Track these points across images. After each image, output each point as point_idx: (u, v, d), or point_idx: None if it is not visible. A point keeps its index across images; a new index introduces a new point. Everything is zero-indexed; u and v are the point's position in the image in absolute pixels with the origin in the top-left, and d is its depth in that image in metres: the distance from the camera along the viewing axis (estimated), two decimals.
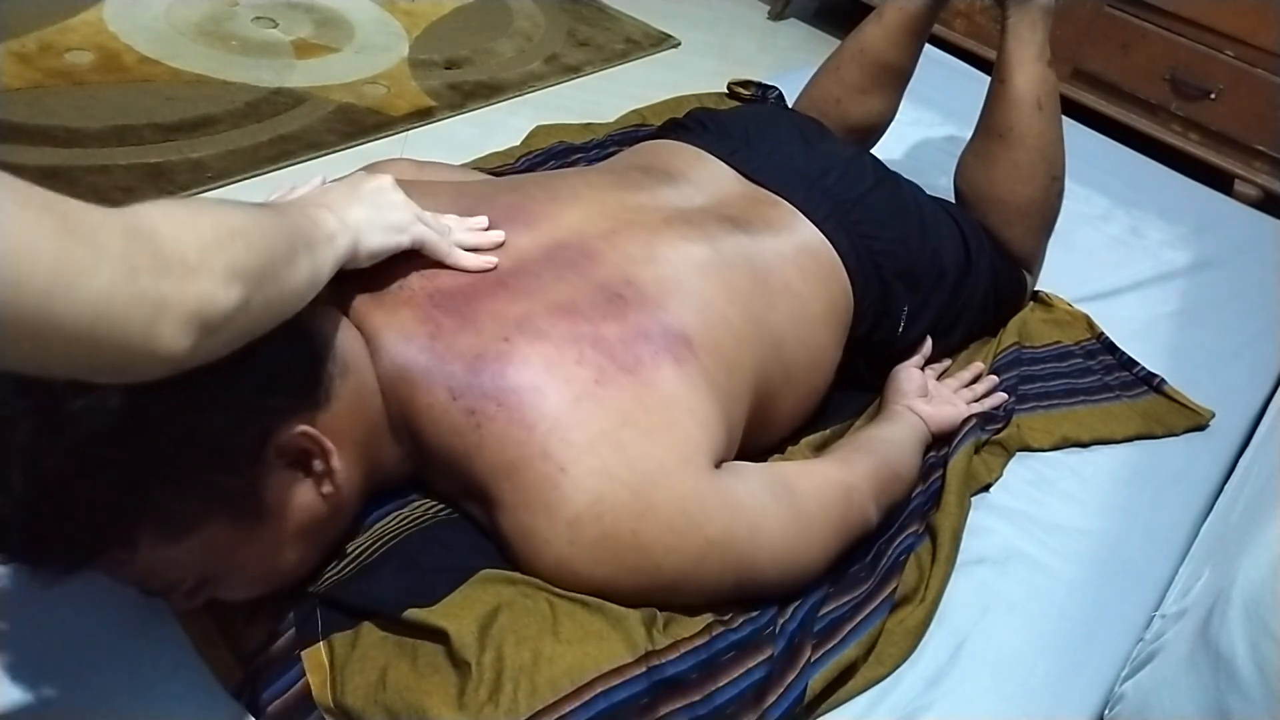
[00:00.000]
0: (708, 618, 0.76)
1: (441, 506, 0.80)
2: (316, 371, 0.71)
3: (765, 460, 1.00)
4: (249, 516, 0.67)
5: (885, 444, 0.98)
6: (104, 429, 0.59)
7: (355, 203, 0.76)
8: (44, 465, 0.58)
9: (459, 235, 0.83)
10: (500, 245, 0.84)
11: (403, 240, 0.78)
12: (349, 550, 0.77)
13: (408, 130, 1.95)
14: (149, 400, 0.59)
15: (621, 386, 0.75)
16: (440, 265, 0.81)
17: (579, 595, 0.71)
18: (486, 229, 0.85)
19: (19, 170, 1.80)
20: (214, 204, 0.61)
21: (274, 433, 0.67)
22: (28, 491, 0.58)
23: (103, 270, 0.48)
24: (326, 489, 0.71)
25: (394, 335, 0.76)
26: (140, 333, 0.50)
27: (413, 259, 0.80)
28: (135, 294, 0.50)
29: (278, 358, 0.67)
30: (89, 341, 0.48)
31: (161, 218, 0.54)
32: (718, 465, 0.79)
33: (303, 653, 0.72)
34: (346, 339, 0.75)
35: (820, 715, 0.82)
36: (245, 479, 0.66)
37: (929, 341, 1.16)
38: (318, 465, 0.70)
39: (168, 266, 0.52)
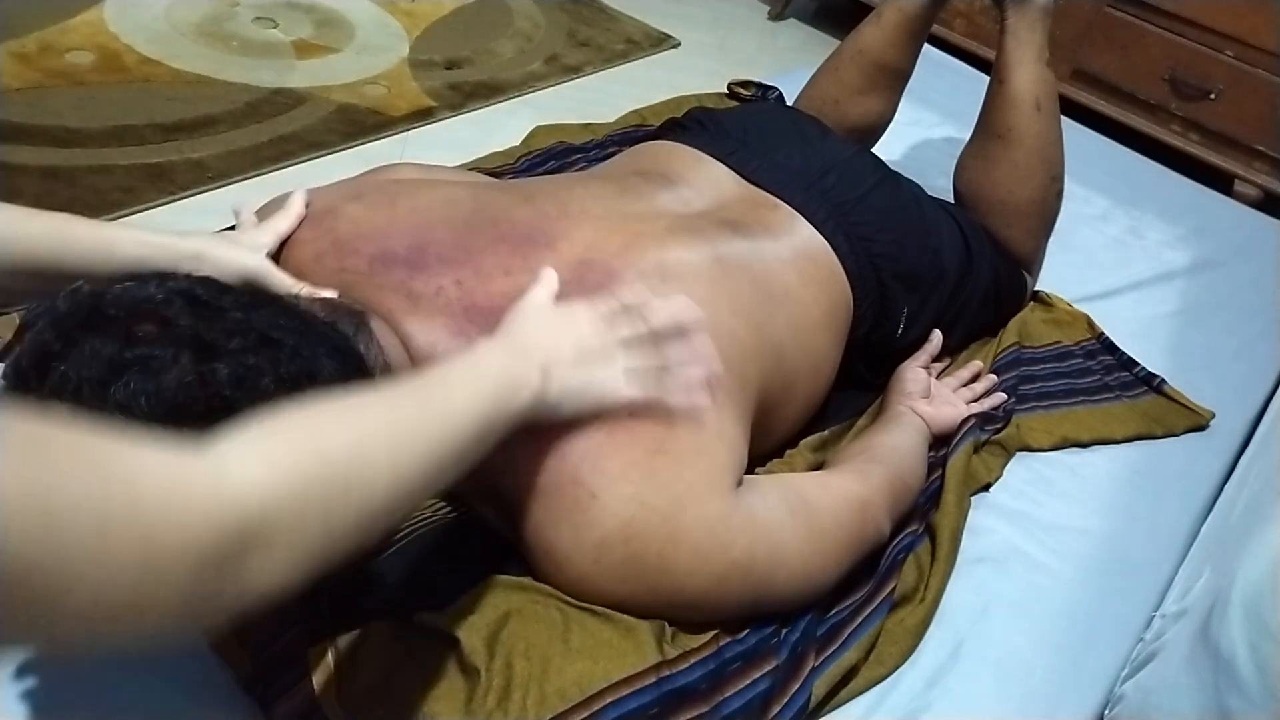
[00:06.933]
0: (715, 629, 0.76)
1: (450, 507, 0.79)
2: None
3: (765, 464, 1.00)
4: None
5: (898, 453, 0.98)
6: None
7: (577, 364, 0.70)
8: None
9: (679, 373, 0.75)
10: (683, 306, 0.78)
11: (600, 407, 0.72)
12: None
13: (408, 130, 1.95)
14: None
15: (656, 415, 0.74)
16: (479, 274, 0.78)
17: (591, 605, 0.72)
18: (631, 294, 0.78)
19: (20, 171, 1.77)
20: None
21: None
22: None
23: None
24: None
25: (424, 342, 0.75)
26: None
27: (449, 263, 0.78)
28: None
29: (334, 382, 0.63)
30: None
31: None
32: (739, 482, 0.79)
33: (309, 651, 0.71)
34: (394, 354, 0.73)
35: (821, 716, 0.82)
36: None
37: (938, 337, 1.15)
38: None
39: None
